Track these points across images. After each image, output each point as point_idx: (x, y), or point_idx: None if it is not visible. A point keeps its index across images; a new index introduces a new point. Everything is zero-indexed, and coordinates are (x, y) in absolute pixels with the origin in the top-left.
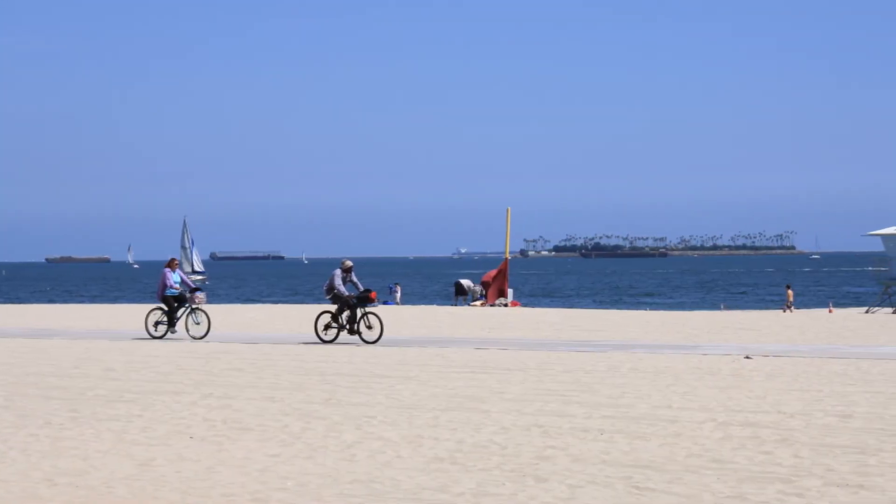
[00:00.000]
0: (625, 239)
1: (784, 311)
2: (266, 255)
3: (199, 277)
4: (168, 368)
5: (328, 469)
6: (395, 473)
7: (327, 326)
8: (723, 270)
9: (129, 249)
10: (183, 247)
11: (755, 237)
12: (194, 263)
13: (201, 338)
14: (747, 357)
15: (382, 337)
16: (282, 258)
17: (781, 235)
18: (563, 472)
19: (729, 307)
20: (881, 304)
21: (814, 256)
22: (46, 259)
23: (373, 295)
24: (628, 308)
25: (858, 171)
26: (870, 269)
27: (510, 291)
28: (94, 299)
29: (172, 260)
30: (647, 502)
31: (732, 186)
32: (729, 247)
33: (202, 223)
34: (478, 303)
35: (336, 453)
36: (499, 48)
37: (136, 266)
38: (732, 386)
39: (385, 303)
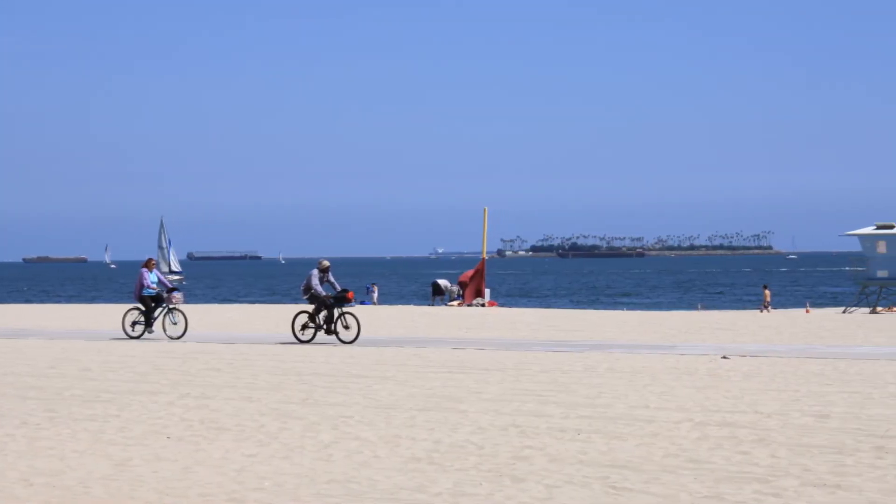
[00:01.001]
0: (602, 239)
1: (761, 311)
2: (243, 255)
3: (177, 277)
4: (145, 368)
5: (305, 469)
6: (372, 473)
7: (304, 326)
8: (700, 270)
9: (106, 249)
10: (160, 247)
11: (732, 237)
12: (171, 263)
13: (178, 338)
14: (724, 357)
15: (360, 337)
16: (259, 258)
17: (759, 235)
18: (540, 472)
19: (706, 307)
20: (858, 304)
21: (791, 256)
22: (23, 259)
23: (350, 295)
24: (605, 308)
25: (835, 171)
26: (847, 269)
27: (487, 291)
28: (70, 299)
29: (149, 260)
30: (625, 502)
31: (709, 186)
32: (706, 247)
33: (179, 223)
34: (455, 303)
35: (313, 453)
36: (476, 47)
37: (113, 266)
38: (709, 386)
39: (362, 303)
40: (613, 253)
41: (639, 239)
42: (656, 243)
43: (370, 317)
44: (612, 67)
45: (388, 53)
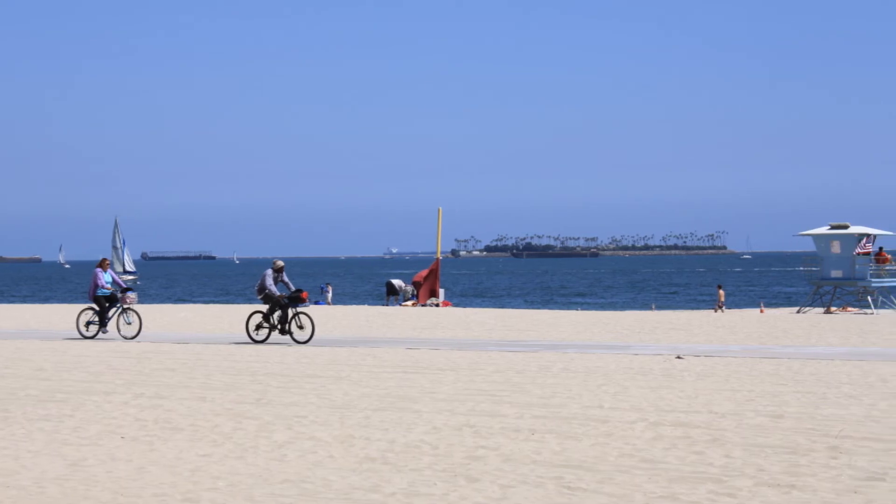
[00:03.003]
0: (556, 239)
1: (715, 311)
2: (197, 254)
3: (131, 277)
4: (99, 368)
5: (259, 469)
6: (326, 473)
7: (259, 326)
8: (654, 270)
9: (60, 249)
10: (114, 247)
11: (686, 237)
12: (125, 263)
13: (133, 337)
14: (678, 357)
15: (314, 337)
16: (213, 258)
17: (713, 235)
18: (494, 471)
19: (660, 307)
20: (812, 304)
21: (745, 256)
22: None
23: (304, 295)
24: (559, 308)
25: (789, 171)
26: (801, 269)
27: (441, 291)
28: (24, 299)
29: (104, 260)
30: (579, 502)
31: (664, 186)
32: (660, 247)
33: (134, 223)
34: (409, 303)
35: (267, 453)
36: (429, 46)
37: (67, 266)
38: (664, 386)
39: (316, 303)
40: (568, 253)
41: (593, 239)
42: (610, 243)
43: (324, 317)
44: (568, 67)
45: (344, 53)
